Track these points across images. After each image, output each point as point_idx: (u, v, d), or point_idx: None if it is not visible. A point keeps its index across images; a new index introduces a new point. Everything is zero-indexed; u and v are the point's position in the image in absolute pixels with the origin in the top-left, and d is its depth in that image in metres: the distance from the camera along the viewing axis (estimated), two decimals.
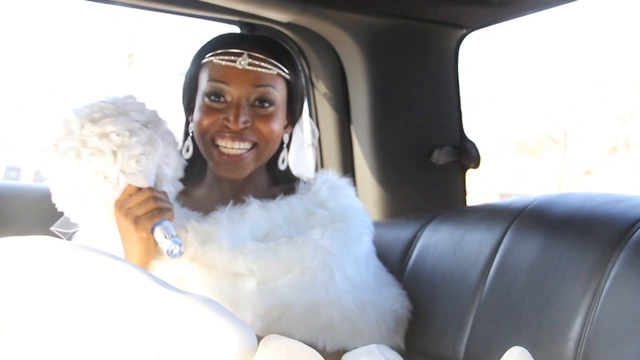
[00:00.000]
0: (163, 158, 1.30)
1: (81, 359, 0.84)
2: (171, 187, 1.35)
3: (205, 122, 1.36)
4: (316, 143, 1.86)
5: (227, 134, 1.35)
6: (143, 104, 1.32)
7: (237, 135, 1.34)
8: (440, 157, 1.75)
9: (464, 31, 1.75)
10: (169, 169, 1.32)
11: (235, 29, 1.76)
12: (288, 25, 1.75)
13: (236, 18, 1.72)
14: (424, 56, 1.77)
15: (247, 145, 1.36)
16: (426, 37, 1.74)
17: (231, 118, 1.33)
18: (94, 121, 1.24)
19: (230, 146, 1.35)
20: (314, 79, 1.85)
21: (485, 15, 1.70)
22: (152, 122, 1.30)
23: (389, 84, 1.77)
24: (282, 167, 1.46)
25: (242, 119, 1.33)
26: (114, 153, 1.23)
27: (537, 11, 1.62)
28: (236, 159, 1.36)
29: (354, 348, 1.22)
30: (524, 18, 1.67)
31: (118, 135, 1.23)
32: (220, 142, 1.35)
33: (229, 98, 1.36)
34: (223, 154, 1.35)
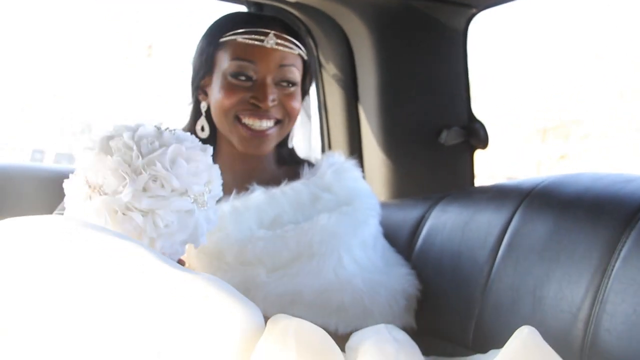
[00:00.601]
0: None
1: (88, 340, 0.84)
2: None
3: (229, 100, 1.36)
4: (322, 126, 1.87)
5: (255, 113, 1.36)
6: (217, 172, 1.11)
7: (265, 114, 1.36)
8: (448, 137, 1.74)
9: (473, 10, 1.73)
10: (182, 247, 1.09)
11: (242, 9, 1.75)
12: (296, 5, 1.74)
13: None
14: (433, 36, 1.75)
15: (272, 123, 1.38)
16: (435, 16, 1.73)
17: (260, 97, 1.34)
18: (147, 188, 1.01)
19: (259, 125, 1.36)
20: (322, 59, 1.84)
21: None
22: (203, 202, 1.05)
23: (397, 64, 1.75)
24: (290, 144, 1.48)
25: (271, 97, 1.35)
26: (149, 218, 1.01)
27: None
28: (261, 134, 1.37)
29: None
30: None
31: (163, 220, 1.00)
32: (247, 120, 1.36)
33: (254, 76, 1.36)
34: (249, 129, 1.36)
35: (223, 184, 1.40)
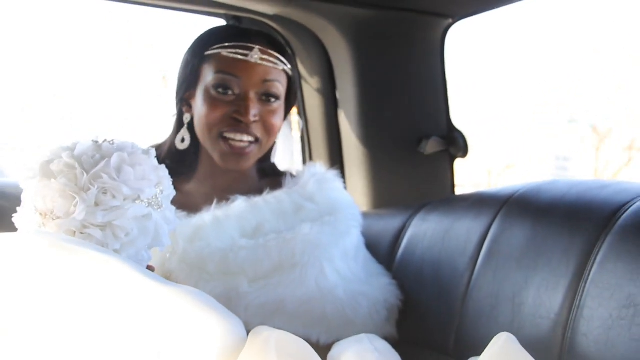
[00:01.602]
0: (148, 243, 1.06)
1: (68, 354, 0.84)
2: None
3: (213, 115, 1.37)
4: (303, 137, 1.88)
5: (237, 128, 1.36)
6: (165, 172, 1.09)
7: (246, 129, 1.37)
8: (428, 147, 1.76)
9: (450, 21, 1.75)
10: (147, 253, 1.07)
11: (221, 22, 1.76)
12: (274, 18, 1.75)
13: (222, 11, 1.72)
14: (410, 46, 1.77)
15: (251, 139, 1.38)
16: (411, 27, 1.74)
17: (242, 111, 1.35)
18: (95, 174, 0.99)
19: (240, 138, 1.37)
20: (301, 71, 1.85)
21: (470, 5, 1.70)
22: (158, 203, 1.05)
23: (375, 75, 1.77)
24: (273, 159, 1.48)
25: (252, 112, 1.36)
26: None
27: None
28: (241, 151, 1.38)
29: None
30: (509, 6, 1.67)
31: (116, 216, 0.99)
32: (229, 135, 1.37)
33: (237, 91, 1.37)
34: (231, 146, 1.37)
35: (204, 196, 1.41)
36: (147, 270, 0.92)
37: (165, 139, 1.48)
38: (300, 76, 1.86)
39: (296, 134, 1.69)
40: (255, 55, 1.38)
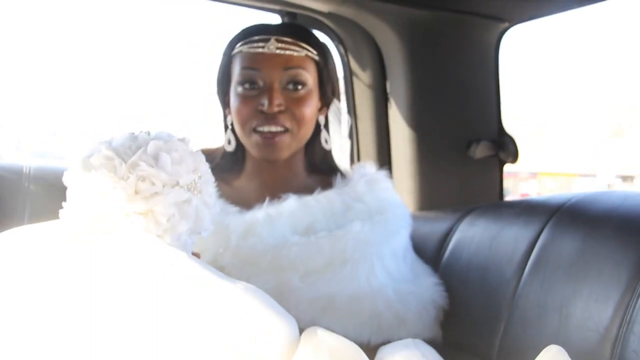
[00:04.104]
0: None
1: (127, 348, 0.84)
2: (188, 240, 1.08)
3: (243, 111, 1.38)
4: (352, 134, 1.87)
5: (263, 119, 1.37)
6: (201, 157, 1.09)
7: (272, 119, 1.37)
8: (478, 150, 1.74)
9: (506, 24, 1.73)
10: (190, 238, 1.09)
11: (277, 19, 1.77)
12: (328, 15, 1.75)
13: (278, 7, 1.73)
14: (464, 49, 1.76)
15: (280, 129, 1.38)
16: (467, 29, 1.73)
17: (265, 102, 1.36)
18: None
19: (268, 130, 1.37)
20: (353, 69, 1.85)
21: (528, 9, 1.68)
22: (197, 188, 1.05)
23: (428, 76, 1.76)
24: (326, 147, 1.48)
25: (276, 101, 1.35)
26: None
27: (583, 5, 1.60)
28: (271, 141, 1.37)
29: (399, 339, 1.22)
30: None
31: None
32: (260, 128, 1.38)
33: (261, 83, 1.38)
34: (262, 136, 1.37)
35: (255, 192, 1.42)
36: (215, 269, 0.93)
37: (221, 144, 1.50)
38: (351, 74, 1.86)
39: (345, 130, 1.68)
40: (272, 45, 1.38)
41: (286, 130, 1.38)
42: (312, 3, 1.66)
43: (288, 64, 1.38)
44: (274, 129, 1.37)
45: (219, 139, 1.50)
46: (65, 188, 1.05)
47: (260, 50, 1.38)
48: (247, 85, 1.38)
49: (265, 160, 1.41)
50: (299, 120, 1.39)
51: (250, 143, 1.40)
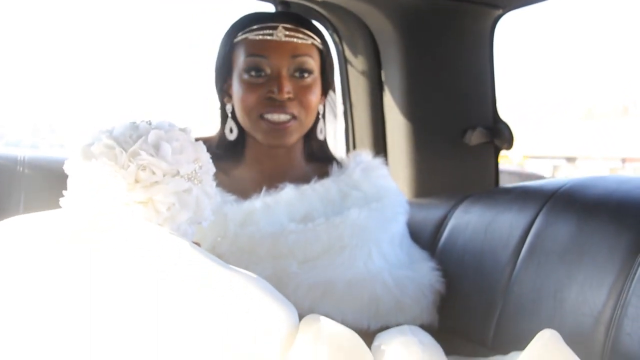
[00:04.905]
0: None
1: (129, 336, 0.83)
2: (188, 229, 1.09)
3: (250, 98, 1.38)
4: (347, 122, 1.88)
5: (273, 106, 1.37)
6: (202, 147, 1.09)
7: (281, 107, 1.37)
8: (473, 137, 1.74)
9: (500, 11, 1.73)
10: (190, 228, 1.08)
11: (270, 7, 1.76)
12: (322, 4, 1.75)
13: None
14: (459, 36, 1.75)
15: (288, 117, 1.39)
16: (461, 16, 1.73)
17: (275, 89, 1.36)
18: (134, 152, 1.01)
19: (277, 118, 1.38)
20: (348, 57, 1.85)
21: None
22: (198, 178, 1.05)
23: (422, 63, 1.76)
24: (320, 137, 1.49)
25: (286, 89, 1.36)
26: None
27: None
28: (282, 126, 1.38)
29: (397, 324, 1.23)
30: None
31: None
32: (268, 116, 1.38)
33: (268, 71, 1.38)
34: (270, 122, 1.38)
35: (253, 181, 1.42)
36: (216, 257, 0.92)
37: (215, 133, 1.50)
38: (346, 62, 1.85)
39: (340, 119, 1.69)
40: (280, 33, 1.38)
41: (294, 117, 1.39)
42: None
43: (296, 51, 1.39)
44: (283, 117, 1.38)
45: (213, 128, 1.50)
46: (60, 176, 1.05)
47: (268, 37, 1.39)
48: (253, 73, 1.38)
49: (273, 146, 1.42)
50: (306, 108, 1.40)
51: (258, 129, 1.40)
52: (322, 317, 0.95)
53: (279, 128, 1.38)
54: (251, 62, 1.39)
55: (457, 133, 1.76)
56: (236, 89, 1.41)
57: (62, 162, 1.06)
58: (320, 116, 1.48)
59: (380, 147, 1.85)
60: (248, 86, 1.39)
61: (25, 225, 0.92)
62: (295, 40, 1.39)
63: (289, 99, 1.37)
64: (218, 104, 1.49)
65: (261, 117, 1.38)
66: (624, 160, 12.40)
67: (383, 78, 1.83)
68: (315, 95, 1.42)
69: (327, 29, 1.83)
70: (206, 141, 1.35)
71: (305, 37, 1.41)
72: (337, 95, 1.64)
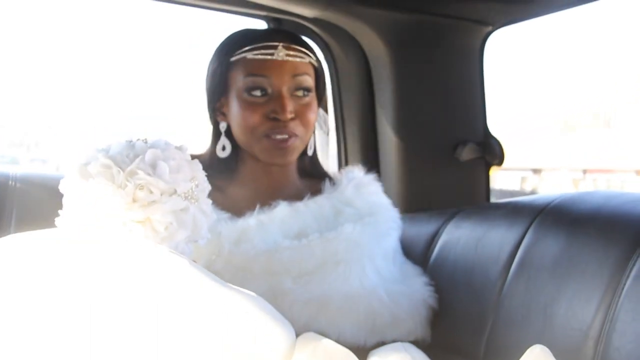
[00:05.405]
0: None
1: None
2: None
3: (253, 118, 1.38)
4: (339, 138, 1.89)
5: (276, 127, 1.38)
6: (198, 166, 1.10)
7: (285, 127, 1.38)
8: (464, 153, 1.75)
9: (490, 28, 1.74)
10: (188, 247, 1.08)
11: (262, 24, 1.78)
12: (314, 21, 1.76)
13: (263, 13, 1.74)
14: (449, 52, 1.77)
15: (291, 136, 1.39)
16: (451, 33, 1.74)
17: (279, 109, 1.37)
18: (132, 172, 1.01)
19: (281, 137, 1.38)
20: (339, 74, 1.86)
21: (511, 13, 1.69)
22: (195, 197, 1.05)
23: (414, 79, 1.77)
24: (309, 152, 1.50)
25: (289, 108, 1.37)
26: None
27: (565, 9, 1.61)
28: (284, 144, 1.39)
29: (392, 340, 1.24)
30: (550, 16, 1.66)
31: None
32: (272, 136, 1.39)
33: (270, 90, 1.39)
34: (274, 140, 1.39)
35: (247, 199, 1.43)
36: (214, 275, 0.93)
37: (205, 150, 1.50)
38: (338, 78, 1.87)
39: (331, 135, 1.70)
40: (281, 52, 1.39)
41: (294, 136, 1.40)
42: (296, 8, 1.67)
43: (296, 70, 1.40)
44: (286, 136, 1.38)
45: (202, 145, 1.50)
46: (52, 193, 1.05)
47: (268, 57, 1.39)
48: (255, 92, 1.38)
49: (273, 164, 1.43)
50: (306, 127, 1.42)
51: (260, 148, 1.40)
52: (318, 336, 0.96)
53: (281, 147, 1.39)
54: (252, 81, 1.38)
55: (449, 148, 1.77)
56: (235, 109, 1.41)
57: (55, 180, 1.06)
58: (313, 132, 1.49)
59: (372, 162, 1.85)
60: (249, 106, 1.39)
61: (23, 240, 0.92)
62: (294, 59, 1.40)
63: (291, 118, 1.38)
64: (209, 122, 1.49)
65: (265, 135, 1.39)
66: (584, 172, 12.86)
67: (375, 94, 1.84)
68: (314, 113, 1.43)
69: (318, 45, 1.84)
70: (197, 158, 1.35)
71: (304, 55, 1.42)
72: (329, 111, 1.66)
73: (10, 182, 1.49)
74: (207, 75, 1.47)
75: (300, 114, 1.40)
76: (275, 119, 1.37)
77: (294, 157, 1.43)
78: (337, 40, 1.83)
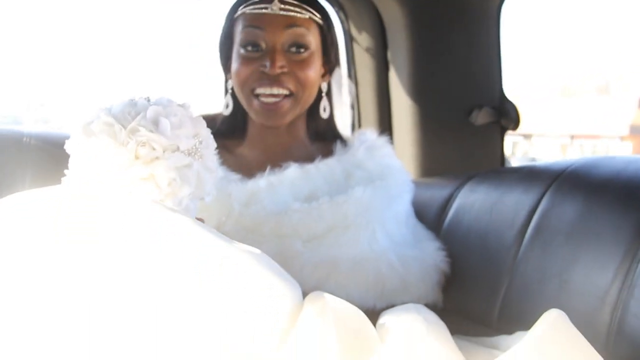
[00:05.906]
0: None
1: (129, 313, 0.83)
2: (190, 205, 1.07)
3: (243, 72, 1.39)
4: (353, 101, 1.87)
5: (266, 80, 1.37)
6: (202, 123, 1.08)
7: (275, 81, 1.37)
8: (479, 117, 1.73)
9: None
10: (193, 203, 1.07)
11: None
12: None
13: None
14: (466, 15, 1.74)
15: (284, 91, 1.38)
16: None
17: (268, 64, 1.36)
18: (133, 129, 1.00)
19: (269, 92, 1.37)
20: (354, 35, 1.83)
21: None
22: (198, 153, 1.04)
23: (429, 42, 1.74)
24: (324, 115, 1.48)
25: (278, 63, 1.36)
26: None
27: None
28: (274, 106, 1.38)
29: (402, 304, 1.23)
30: None
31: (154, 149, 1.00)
32: (260, 90, 1.38)
33: (263, 45, 1.38)
34: (263, 102, 1.38)
35: (257, 160, 1.42)
36: (220, 234, 0.92)
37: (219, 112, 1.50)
38: (352, 40, 1.84)
39: (346, 98, 1.67)
40: (275, 6, 1.38)
41: (290, 95, 1.38)
42: None
43: (290, 22, 1.38)
44: (276, 91, 1.37)
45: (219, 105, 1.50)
46: (65, 152, 1.05)
47: (263, 10, 1.38)
48: (249, 47, 1.39)
49: (267, 126, 1.41)
50: (302, 83, 1.39)
51: (251, 108, 1.40)
52: (326, 294, 0.95)
53: (271, 108, 1.38)
54: (247, 34, 1.39)
55: (463, 112, 1.75)
56: (233, 63, 1.42)
57: (67, 138, 1.06)
58: (323, 94, 1.47)
59: (385, 126, 1.84)
60: (243, 60, 1.39)
61: (25, 204, 0.91)
62: (289, 13, 1.39)
63: (283, 73, 1.37)
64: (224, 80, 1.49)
65: (253, 93, 1.38)
66: (572, 137, 12.95)
67: (389, 57, 1.82)
68: (313, 71, 1.41)
69: (332, 6, 1.82)
70: (212, 118, 1.34)
71: (303, 11, 1.40)
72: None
73: (24, 139, 1.49)
74: (220, 33, 1.48)
75: (296, 70, 1.38)
76: (264, 73, 1.37)
77: (286, 119, 1.41)
78: (351, 2, 1.80)
